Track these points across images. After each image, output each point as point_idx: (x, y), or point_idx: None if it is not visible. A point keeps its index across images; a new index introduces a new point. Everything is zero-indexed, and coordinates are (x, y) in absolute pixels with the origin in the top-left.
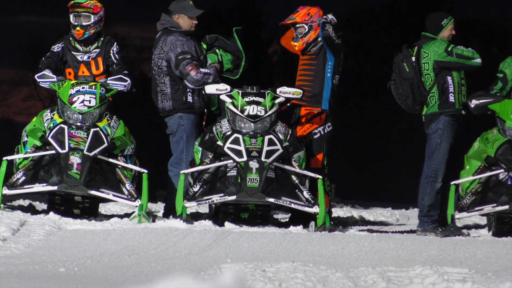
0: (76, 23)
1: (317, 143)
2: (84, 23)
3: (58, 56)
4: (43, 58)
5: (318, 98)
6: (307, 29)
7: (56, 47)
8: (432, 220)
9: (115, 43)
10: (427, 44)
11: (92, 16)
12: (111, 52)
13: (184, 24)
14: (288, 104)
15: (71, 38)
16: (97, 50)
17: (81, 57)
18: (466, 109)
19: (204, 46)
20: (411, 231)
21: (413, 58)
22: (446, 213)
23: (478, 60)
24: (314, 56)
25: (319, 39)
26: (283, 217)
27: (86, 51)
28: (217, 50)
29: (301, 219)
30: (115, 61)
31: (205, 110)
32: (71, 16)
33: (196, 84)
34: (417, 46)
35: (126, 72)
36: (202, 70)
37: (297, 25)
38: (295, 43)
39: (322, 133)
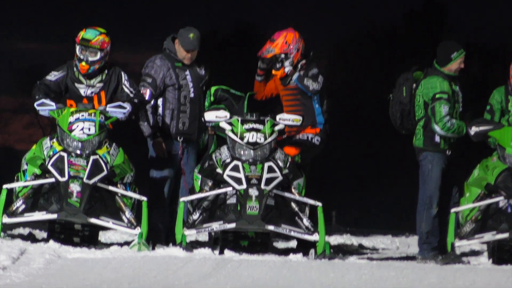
0: (82, 56)
1: (301, 142)
2: (90, 59)
3: (52, 86)
4: (37, 83)
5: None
6: (285, 57)
7: (54, 75)
8: (432, 247)
9: (123, 74)
10: (428, 77)
11: (99, 52)
12: (124, 86)
13: (179, 52)
14: (284, 136)
15: (75, 69)
16: (101, 84)
17: (84, 92)
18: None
19: (212, 98)
20: (411, 258)
21: (414, 85)
22: (446, 240)
23: (438, 130)
24: (296, 91)
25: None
26: (283, 245)
27: (90, 85)
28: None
29: (309, 245)
30: (132, 94)
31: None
32: (78, 47)
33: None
34: (424, 73)
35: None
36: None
37: (277, 55)
38: (276, 72)
39: (309, 139)
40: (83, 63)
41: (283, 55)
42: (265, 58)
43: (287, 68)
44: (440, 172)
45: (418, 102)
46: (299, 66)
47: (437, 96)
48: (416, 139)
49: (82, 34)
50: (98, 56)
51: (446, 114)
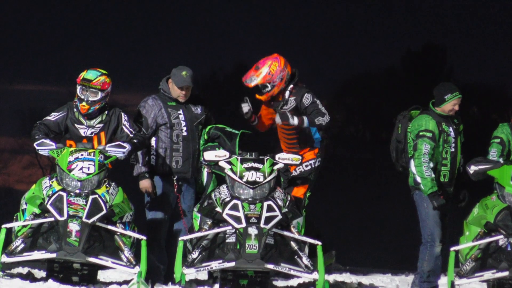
0: (82, 96)
1: (306, 175)
2: (90, 99)
3: (51, 127)
4: (37, 123)
5: (312, 144)
6: (270, 88)
7: (54, 116)
8: (432, 287)
9: (123, 115)
10: (419, 116)
11: (99, 92)
12: (124, 126)
13: (172, 91)
14: (292, 174)
15: (75, 110)
16: (101, 125)
17: (84, 132)
18: (465, 174)
19: (206, 137)
20: None
21: (409, 123)
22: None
23: (412, 166)
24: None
25: (290, 103)
26: (282, 284)
27: (90, 126)
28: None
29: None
30: (132, 135)
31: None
32: (78, 88)
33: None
34: (419, 112)
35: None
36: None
37: (261, 85)
38: (260, 96)
39: (313, 166)
40: (84, 103)
41: (268, 84)
42: (248, 86)
43: (271, 93)
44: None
45: (409, 140)
46: (287, 92)
47: (421, 133)
48: (409, 177)
49: (83, 74)
50: (99, 96)
51: (426, 153)
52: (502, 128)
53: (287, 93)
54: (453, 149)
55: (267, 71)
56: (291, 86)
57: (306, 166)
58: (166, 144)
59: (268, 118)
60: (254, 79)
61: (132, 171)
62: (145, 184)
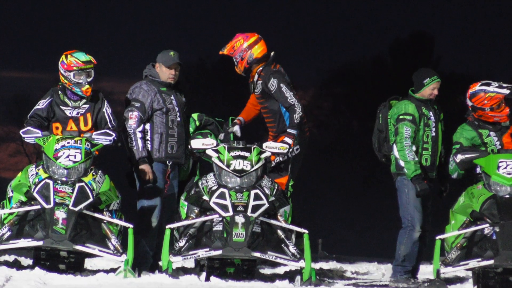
0: (80, 81)
1: (284, 164)
2: (89, 79)
3: (43, 114)
4: (27, 117)
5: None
6: (235, 62)
7: (42, 103)
8: (405, 271)
9: (106, 102)
10: (398, 103)
11: (92, 70)
12: (105, 113)
13: (161, 74)
14: (272, 165)
15: (60, 92)
16: (86, 105)
17: (70, 113)
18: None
19: (198, 123)
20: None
21: (390, 111)
22: (418, 264)
23: (395, 151)
24: (262, 100)
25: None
26: (269, 272)
27: (75, 106)
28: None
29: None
30: (110, 125)
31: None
32: (72, 73)
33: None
34: (399, 100)
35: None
36: (136, 129)
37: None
38: (236, 68)
39: (289, 154)
40: (86, 87)
41: (233, 58)
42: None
43: (238, 68)
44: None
45: (390, 127)
46: (256, 74)
47: (401, 117)
48: (391, 164)
49: (74, 59)
50: (93, 74)
51: (407, 136)
52: (464, 132)
53: (256, 76)
54: (434, 134)
55: (232, 45)
56: (260, 69)
57: (282, 156)
58: (161, 129)
59: (255, 105)
60: (223, 48)
61: (120, 159)
62: (146, 168)
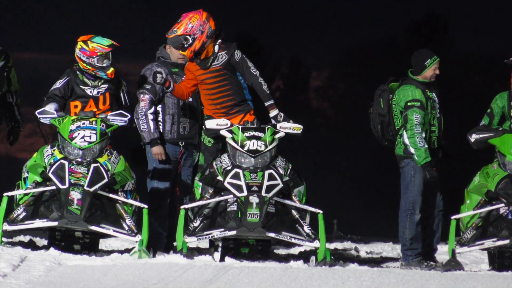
0: (104, 65)
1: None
2: (109, 62)
3: (60, 93)
4: (44, 99)
5: (245, 103)
6: (191, 40)
7: (59, 83)
8: (416, 254)
9: (123, 83)
10: (402, 87)
11: (110, 53)
12: (121, 93)
13: (172, 55)
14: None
15: (78, 72)
16: (105, 85)
17: (90, 92)
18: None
19: None
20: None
21: (391, 95)
22: (429, 246)
23: (405, 138)
24: (222, 71)
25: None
26: (284, 252)
27: (95, 86)
28: None
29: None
30: (124, 104)
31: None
32: (96, 59)
33: (136, 115)
34: (399, 84)
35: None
36: (147, 111)
37: (182, 37)
38: (184, 52)
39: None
40: (110, 70)
41: (188, 37)
42: (169, 39)
43: (193, 48)
44: (422, 179)
45: (395, 112)
46: (216, 46)
47: (409, 104)
48: (397, 147)
49: (97, 45)
50: (111, 56)
51: (417, 123)
52: (498, 99)
53: (216, 47)
54: (438, 115)
55: (187, 22)
56: (220, 40)
57: None
58: (173, 110)
59: (192, 82)
60: (174, 31)
61: (135, 140)
62: (158, 150)
